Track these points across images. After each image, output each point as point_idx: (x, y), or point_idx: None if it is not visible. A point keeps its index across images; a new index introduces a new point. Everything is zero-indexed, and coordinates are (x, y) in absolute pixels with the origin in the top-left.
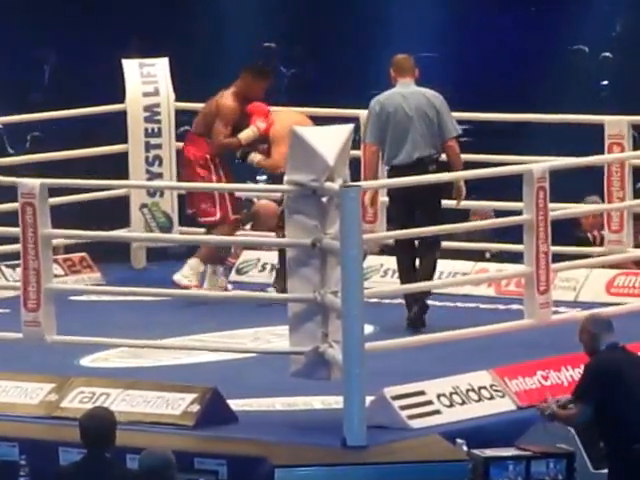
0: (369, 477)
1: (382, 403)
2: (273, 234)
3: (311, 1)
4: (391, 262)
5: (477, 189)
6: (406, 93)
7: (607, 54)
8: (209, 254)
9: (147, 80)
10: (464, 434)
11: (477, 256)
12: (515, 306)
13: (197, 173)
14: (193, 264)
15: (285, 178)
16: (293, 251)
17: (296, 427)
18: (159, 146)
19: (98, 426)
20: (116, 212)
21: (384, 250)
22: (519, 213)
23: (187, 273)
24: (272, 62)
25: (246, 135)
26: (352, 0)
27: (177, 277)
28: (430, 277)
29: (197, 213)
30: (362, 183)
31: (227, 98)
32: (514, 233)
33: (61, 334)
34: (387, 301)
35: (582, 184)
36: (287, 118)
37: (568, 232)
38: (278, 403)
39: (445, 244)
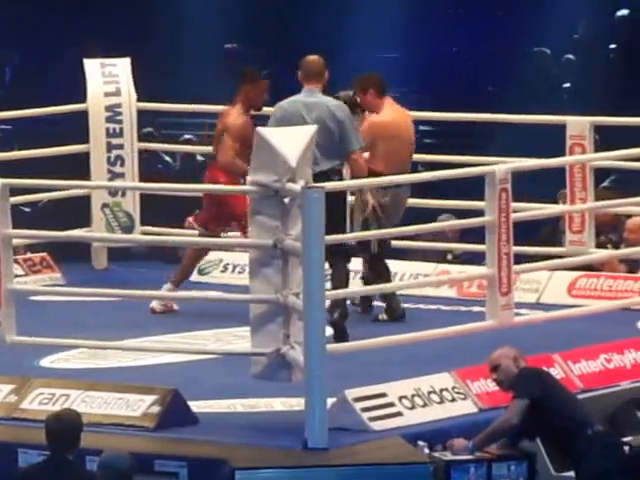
0: (330, 479)
1: (343, 405)
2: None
3: (272, 1)
4: (354, 264)
5: (441, 189)
6: (309, 102)
7: (570, 56)
8: (184, 275)
9: (109, 80)
10: (426, 436)
11: (439, 257)
12: (477, 308)
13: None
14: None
15: (248, 179)
16: (255, 252)
17: (257, 429)
18: (121, 146)
19: (65, 428)
20: (77, 212)
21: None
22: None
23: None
24: (235, 63)
25: None
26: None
27: (154, 305)
28: (345, 284)
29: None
30: (325, 184)
31: (233, 115)
32: (477, 234)
33: (21, 335)
34: (348, 302)
35: (543, 184)
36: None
37: (530, 233)
38: (239, 405)
39: (408, 245)
